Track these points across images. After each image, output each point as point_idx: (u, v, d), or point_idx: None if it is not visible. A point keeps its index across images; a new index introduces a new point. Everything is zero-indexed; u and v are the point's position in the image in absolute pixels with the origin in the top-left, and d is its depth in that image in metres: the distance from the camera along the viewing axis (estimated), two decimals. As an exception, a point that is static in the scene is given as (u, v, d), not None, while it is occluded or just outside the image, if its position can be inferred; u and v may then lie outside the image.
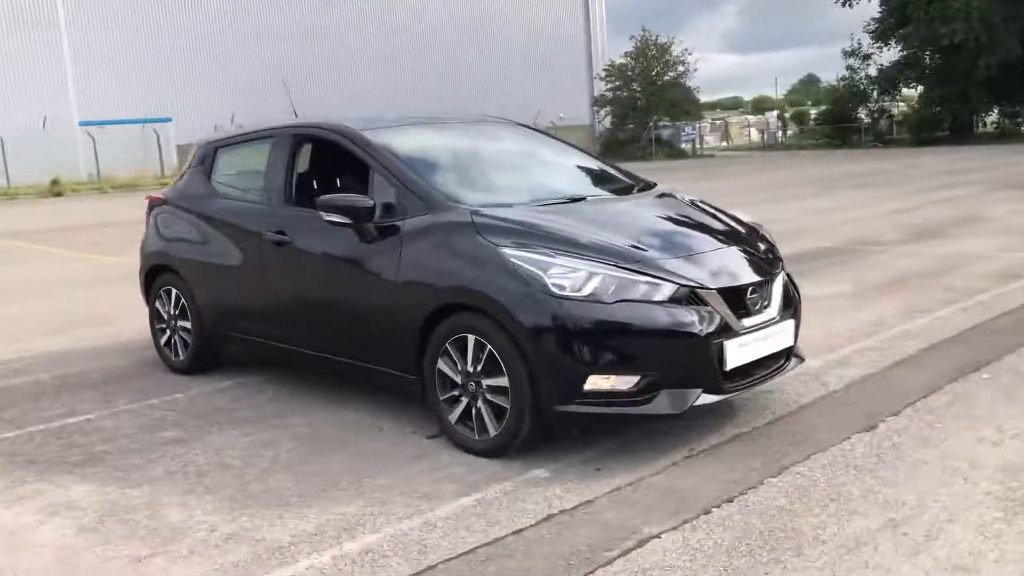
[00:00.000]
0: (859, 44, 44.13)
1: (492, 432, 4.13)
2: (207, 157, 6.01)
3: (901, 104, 47.51)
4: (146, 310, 6.39)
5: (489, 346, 4.06)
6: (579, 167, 5.55)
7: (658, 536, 3.33)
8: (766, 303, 4.31)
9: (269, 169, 5.39)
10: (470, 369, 4.16)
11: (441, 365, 4.28)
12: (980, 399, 4.68)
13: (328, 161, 5.70)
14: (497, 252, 4.10)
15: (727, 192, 19.80)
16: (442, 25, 44.87)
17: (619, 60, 45.73)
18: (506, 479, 3.92)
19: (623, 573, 3.08)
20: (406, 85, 41.94)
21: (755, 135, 57.85)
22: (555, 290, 3.93)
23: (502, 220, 4.27)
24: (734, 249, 4.48)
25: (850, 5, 43.38)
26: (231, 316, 5.63)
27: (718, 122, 63.32)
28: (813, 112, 55.52)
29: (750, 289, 4.22)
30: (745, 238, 4.67)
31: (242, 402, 5.35)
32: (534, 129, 6.03)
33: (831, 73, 70.78)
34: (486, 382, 4.12)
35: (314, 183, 5.65)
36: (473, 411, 4.20)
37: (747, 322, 4.17)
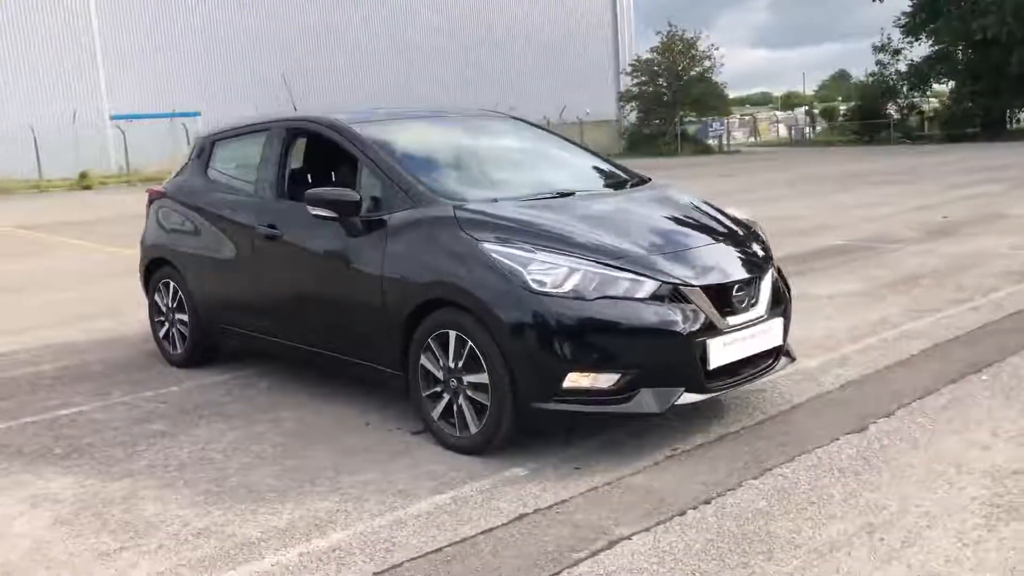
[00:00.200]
0: (889, 39, 43.61)
1: (473, 429, 4.09)
2: (204, 150, 6.01)
3: (932, 100, 46.86)
4: (151, 303, 6.42)
5: (470, 342, 4.02)
6: (573, 162, 5.48)
7: (628, 538, 3.27)
8: (753, 301, 4.23)
9: (262, 162, 5.39)
10: (452, 365, 4.12)
11: (424, 361, 4.25)
12: (977, 401, 4.57)
13: (320, 155, 5.70)
14: (478, 247, 4.06)
15: (746, 188, 19.65)
16: (467, 18, 44.81)
17: (645, 55, 45.46)
18: (484, 477, 3.88)
19: (588, 575, 3.03)
20: (429, 80, 41.99)
21: (783, 131, 57.35)
22: (535, 286, 3.88)
23: (485, 215, 4.23)
24: (723, 246, 4.40)
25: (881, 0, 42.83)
26: (225, 309, 5.63)
27: (746, 118, 62.88)
28: (842, 108, 54.87)
29: (736, 287, 4.14)
30: (736, 235, 4.58)
31: (235, 395, 5.35)
32: (533, 124, 5.96)
33: (863, 69, 69.97)
34: (467, 379, 4.08)
35: (307, 177, 5.64)
36: (455, 408, 4.16)
37: (732, 320, 4.09)
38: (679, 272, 4.02)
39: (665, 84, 44.47)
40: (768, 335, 4.28)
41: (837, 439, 4.13)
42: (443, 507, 3.61)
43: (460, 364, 4.08)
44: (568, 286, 3.88)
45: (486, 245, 4.04)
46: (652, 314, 3.90)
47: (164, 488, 3.95)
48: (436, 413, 4.25)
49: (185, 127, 37.24)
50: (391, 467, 4.07)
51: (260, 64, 39.36)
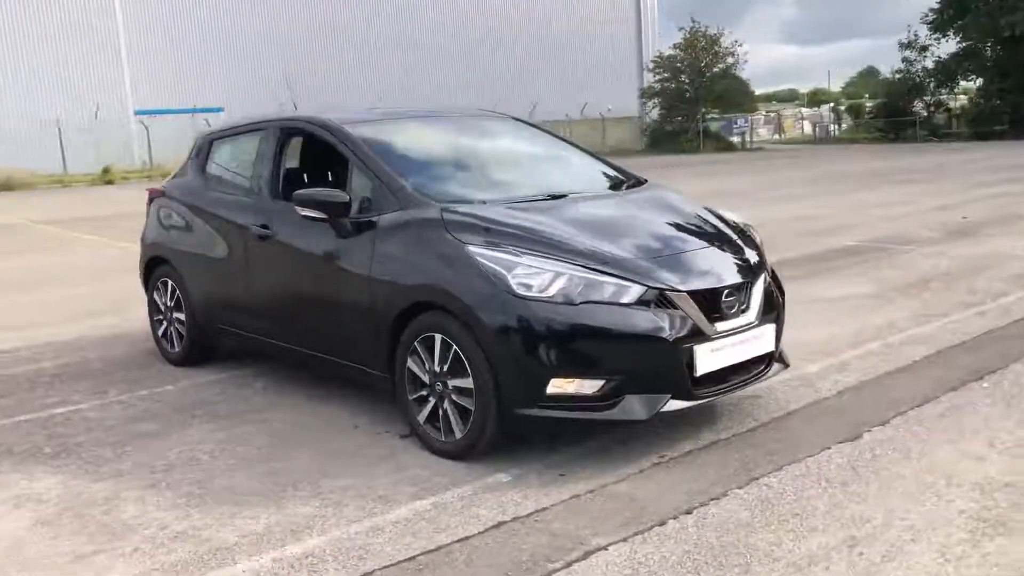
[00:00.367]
0: (916, 36, 43.09)
1: (458, 434, 4.05)
2: (202, 149, 6.01)
3: (961, 97, 46.25)
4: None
5: (455, 346, 3.98)
6: (569, 163, 5.42)
7: (605, 548, 3.22)
8: (744, 307, 4.15)
9: (257, 162, 5.38)
10: (437, 369, 4.08)
11: (411, 364, 4.21)
12: (976, 410, 4.47)
13: (314, 155, 5.68)
14: (464, 250, 4.01)
15: (767, 186, 19.47)
16: (490, 14, 44.75)
17: (668, 51, 45.21)
18: (467, 483, 3.84)
19: (560, 586, 2.98)
20: (451, 75, 42.05)
21: (808, 128, 56.85)
22: (519, 290, 3.83)
23: (472, 217, 4.18)
24: (714, 250, 4.32)
25: (909, -5, 42.39)
26: (221, 309, 5.62)
27: (771, 115, 62.39)
28: (868, 105, 54.29)
29: (726, 292, 4.06)
30: (729, 239, 4.50)
31: (229, 395, 5.34)
32: (533, 125, 5.91)
33: (891, 66, 69.12)
34: (452, 383, 4.04)
35: (302, 177, 5.62)
36: (440, 412, 4.12)
37: (721, 326, 4.02)
38: (667, 277, 3.95)
39: (687, 80, 44.21)
40: (759, 341, 4.20)
41: (828, 448, 4.05)
42: (422, 513, 3.57)
43: (445, 368, 4.04)
44: (553, 290, 3.83)
45: (472, 248, 4.00)
46: (638, 319, 3.84)
47: (147, 489, 3.94)
48: (422, 417, 4.21)
49: (208, 123, 37.53)
50: (375, 471, 4.04)
51: (284, 61, 39.52)
